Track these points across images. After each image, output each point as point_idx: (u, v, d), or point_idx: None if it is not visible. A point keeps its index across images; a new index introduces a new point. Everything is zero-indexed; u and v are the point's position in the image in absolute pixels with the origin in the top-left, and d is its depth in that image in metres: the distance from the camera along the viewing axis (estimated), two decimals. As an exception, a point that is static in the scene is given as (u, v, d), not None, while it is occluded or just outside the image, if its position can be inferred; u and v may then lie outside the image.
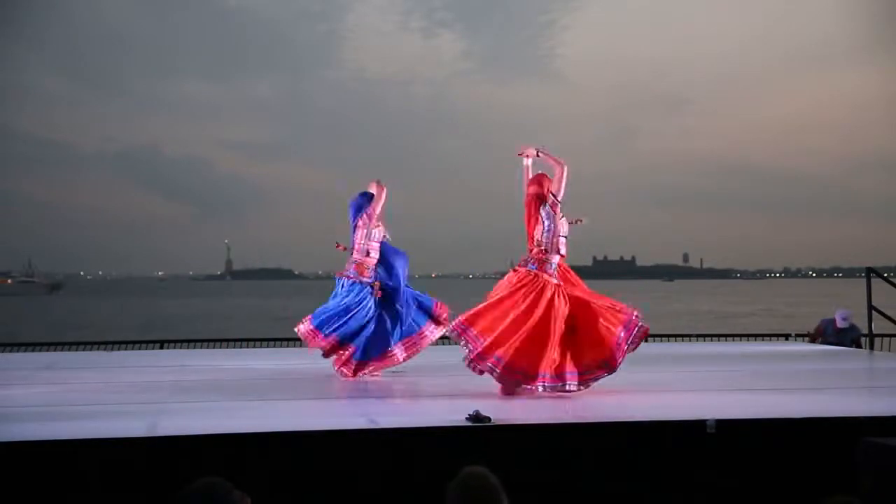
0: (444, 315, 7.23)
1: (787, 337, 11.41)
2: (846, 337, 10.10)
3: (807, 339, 10.97)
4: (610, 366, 5.97)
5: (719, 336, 12.59)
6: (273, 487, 4.18)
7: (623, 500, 4.57)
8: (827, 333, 10.27)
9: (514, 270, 6.25)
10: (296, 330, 7.20)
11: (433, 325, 7.26)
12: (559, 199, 6.34)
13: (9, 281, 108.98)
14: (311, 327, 7.08)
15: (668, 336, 12.27)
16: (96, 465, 4.13)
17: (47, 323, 42.40)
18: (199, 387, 6.40)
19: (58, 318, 47.27)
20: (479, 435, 4.51)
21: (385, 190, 7.41)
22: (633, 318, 6.11)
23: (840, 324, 10.11)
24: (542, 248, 6.24)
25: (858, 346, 10.16)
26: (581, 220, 6.48)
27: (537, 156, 6.45)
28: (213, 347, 10.87)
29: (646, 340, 11.81)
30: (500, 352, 5.88)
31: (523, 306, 6.03)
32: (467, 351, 5.95)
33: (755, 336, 12.29)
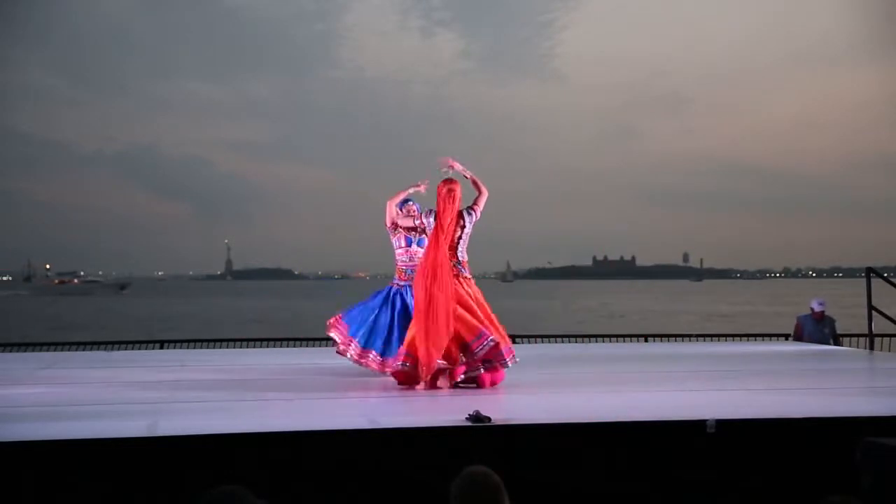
0: None
1: (787, 337, 11.41)
2: (824, 328, 10.13)
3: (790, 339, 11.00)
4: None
5: (719, 336, 12.60)
6: (273, 487, 4.18)
7: (623, 500, 4.57)
8: (806, 328, 10.30)
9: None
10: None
11: None
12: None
13: (75, 281, 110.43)
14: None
15: (669, 336, 12.28)
16: (96, 465, 4.13)
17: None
18: (199, 386, 6.40)
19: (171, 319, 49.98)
20: (479, 435, 4.51)
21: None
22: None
23: (818, 308, 10.15)
24: (462, 252, 6.56)
25: (836, 338, 10.19)
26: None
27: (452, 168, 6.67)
28: (213, 347, 10.87)
29: (645, 340, 11.93)
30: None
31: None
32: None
33: (755, 336, 12.28)
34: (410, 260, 7.09)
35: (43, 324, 43.40)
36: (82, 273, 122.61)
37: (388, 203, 7.16)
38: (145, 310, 61.73)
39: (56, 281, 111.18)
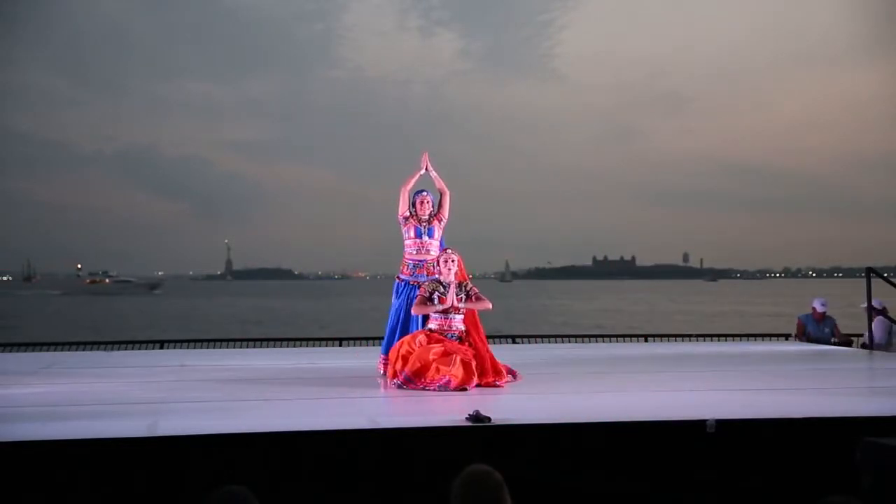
0: None
1: (787, 337, 11.41)
2: (825, 328, 10.11)
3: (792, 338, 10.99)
4: None
5: (719, 336, 12.59)
6: (273, 487, 4.18)
7: (623, 500, 4.57)
8: (807, 328, 10.28)
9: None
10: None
11: None
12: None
13: (106, 280, 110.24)
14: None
15: (669, 336, 12.27)
16: (96, 465, 4.13)
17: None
18: (199, 387, 6.40)
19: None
20: (479, 435, 4.51)
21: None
22: None
23: (820, 308, 10.14)
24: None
25: (837, 336, 10.15)
26: None
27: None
28: (213, 347, 10.86)
29: (645, 340, 11.91)
30: None
31: None
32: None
33: (755, 336, 12.28)
34: (418, 252, 7.00)
35: (61, 324, 43.59)
36: (113, 273, 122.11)
37: (401, 190, 7.10)
38: (176, 310, 62.13)
39: (87, 281, 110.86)
